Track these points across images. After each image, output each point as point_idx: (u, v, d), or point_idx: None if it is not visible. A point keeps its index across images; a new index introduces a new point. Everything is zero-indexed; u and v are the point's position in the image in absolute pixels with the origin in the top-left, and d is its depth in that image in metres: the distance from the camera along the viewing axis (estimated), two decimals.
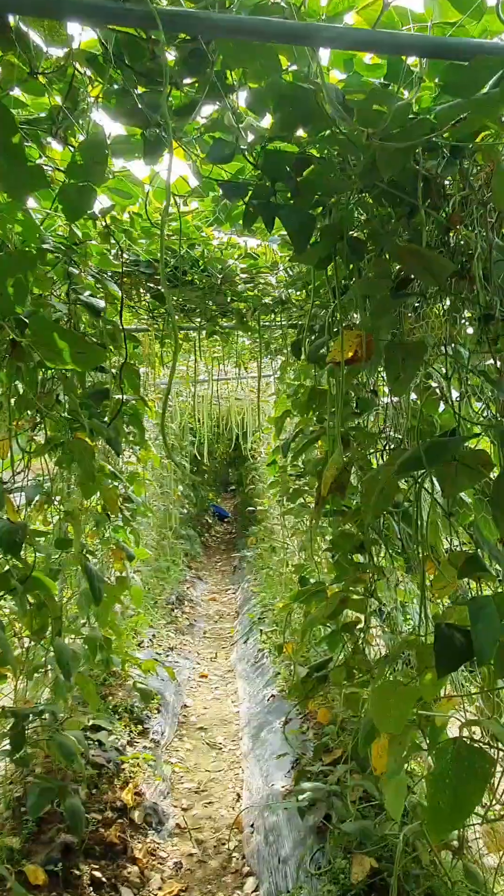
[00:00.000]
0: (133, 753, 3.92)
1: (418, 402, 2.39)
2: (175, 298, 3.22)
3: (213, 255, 2.67)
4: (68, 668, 2.63)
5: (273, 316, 3.68)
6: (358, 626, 3.14)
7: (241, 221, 2.29)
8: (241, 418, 8.68)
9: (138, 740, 4.13)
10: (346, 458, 2.45)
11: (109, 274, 2.74)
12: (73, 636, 3.42)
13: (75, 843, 2.85)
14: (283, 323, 3.69)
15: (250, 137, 1.60)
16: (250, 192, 1.69)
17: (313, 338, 2.97)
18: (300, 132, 1.58)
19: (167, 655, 5.91)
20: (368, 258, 2.02)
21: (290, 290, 3.28)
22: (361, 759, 3.06)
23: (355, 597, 3.06)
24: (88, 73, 1.56)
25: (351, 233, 1.85)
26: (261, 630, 6.08)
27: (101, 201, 2.23)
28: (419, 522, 2.39)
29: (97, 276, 2.63)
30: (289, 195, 1.68)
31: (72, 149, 1.73)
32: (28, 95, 1.72)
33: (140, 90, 1.51)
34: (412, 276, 1.82)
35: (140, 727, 4.31)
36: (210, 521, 16.53)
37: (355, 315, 2.69)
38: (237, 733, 4.70)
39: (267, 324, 3.89)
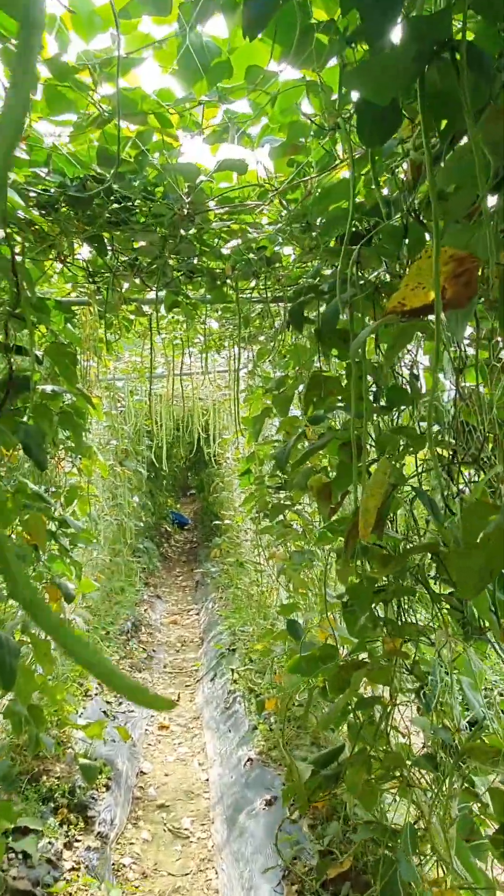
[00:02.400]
0: (73, 861, 2.95)
1: None
2: (120, 248, 2.27)
3: (174, 166, 1.74)
4: None
5: (257, 283, 2.77)
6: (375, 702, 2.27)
7: (224, 79, 1.39)
8: (205, 420, 7.74)
9: (80, 839, 3.16)
10: (388, 478, 1.56)
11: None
12: None
13: None
14: (269, 291, 2.78)
15: None
16: None
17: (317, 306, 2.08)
18: None
19: (120, 703, 4.93)
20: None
21: (281, 241, 2.38)
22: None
23: (378, 663, 2.20)
24: None
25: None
26: (232, 669, 5.15)
27: None
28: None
29: None
30: None
31: None
32: None
33: None
34: None
35: (82, 818, 3.33)
36: (169, 530, 15.52)
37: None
38: (207, 813, 3.76)
39: (248, 295, 2.98)
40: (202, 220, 2.05)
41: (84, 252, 2.66)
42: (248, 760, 3.92)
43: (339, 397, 2.42)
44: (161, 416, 7.15)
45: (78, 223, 2.13)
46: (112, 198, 1.92)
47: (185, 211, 1.89)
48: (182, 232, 2.06)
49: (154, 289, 2.48)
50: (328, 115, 1.51)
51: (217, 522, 7.84)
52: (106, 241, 2.22)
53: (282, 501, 4.07)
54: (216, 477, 9.33)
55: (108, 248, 2.28)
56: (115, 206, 1.97)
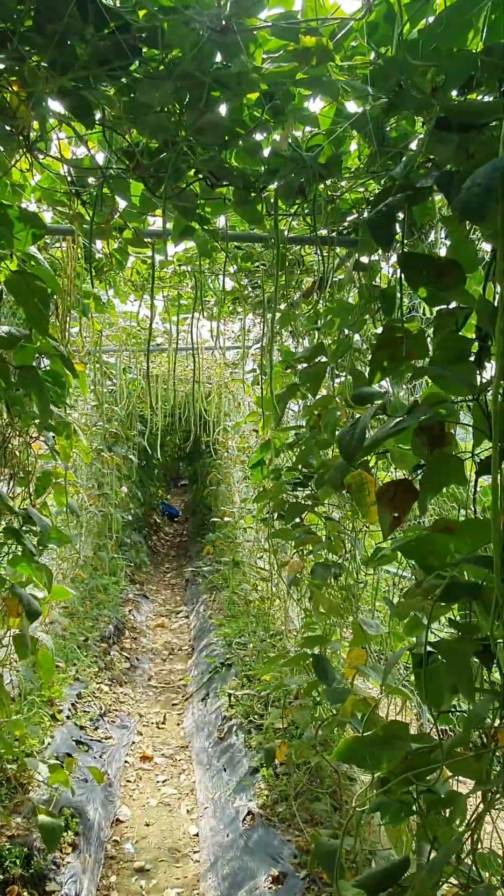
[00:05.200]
0: None
1: None
2: (113, 119, 1.52)
3: None
4: None
5: (302, 204, 2.03)
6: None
7: None
8: (206, 405, 6.97)
9: None
10: None
11: None
12: None
13: None
14: (319, 221, 2.03)
15: None
16: None
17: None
18: None
19: (96, 727, 4.20)
20: None
21: (348, 131, 1.65)
22: None
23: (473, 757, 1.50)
24: None
25: None
26: (228, 693, 4.43)
27: None
28: None
29: None
30: None
31: None
32: None
33: None
34: None
35: (39, 895, 2.61)
36: (159, 521, 14.78)
37: None
38: (197, 883, 3.04)
39: (288, 227, 2.23)
40: (242, 66, 1.30)
41: (60, 146, 1.91)
42: (248, 815, 3.20)
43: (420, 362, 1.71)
44: (157, 398, 6.40)
45: (48, 70, 1.38)
46: (99, 7, 1.17)
47: (222, 22, 1.14)
48: (208, 84, 1.31)
49: (162, 198, 1.73)
50: None
51: (215, 519, 7.10)
52: (92, 103, 1.47)
53: (302, 500, 3.34)
54: (213, 468, 8.58)
55: (97, 117, 1.52)
56: (106, 28, 1.22)
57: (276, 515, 3.66)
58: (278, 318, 3.43)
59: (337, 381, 2.87)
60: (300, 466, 3.26)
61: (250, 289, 3.26)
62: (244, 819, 3.21)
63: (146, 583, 9.34)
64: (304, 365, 2.76)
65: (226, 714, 4.33)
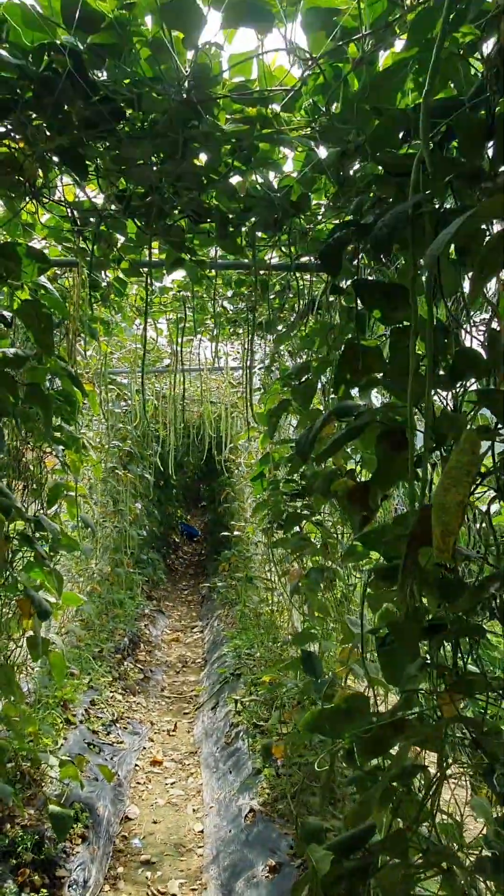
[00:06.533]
0: None
1: None
2: (105, 170, 1.77)
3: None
4: None
5: (278, 237, 2.26)
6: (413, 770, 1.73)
7: None
8: (216, 424, 7.20)
9: None
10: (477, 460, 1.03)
11: None
12: None
13: None
14: (293, 249, 2.26)
15: None
16: None
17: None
18: None
19: (108, 732, 4.38)
20: None
21: (309, 173, 1.87)
22: None
23: (427, 727, 1.67)
24: None
25: None
26: (235, 699, 4.58)
27: None
28: None
29: None
30: None
31: None
32: None
33: None
34: None
35: (49, 878, 2.79)
36: (178, 541, 15.00)
37: None
38: (199, 874, 3.19)
39: (268, 258, 2.46)
40: (209, 126, 1.54)
41: (63, 190, 2.17)
42: (249, 812, 3.35)
43: (380, 374, 1.91)
44: (168, 417, 6.64)
45: (47, 130, 1.63)
46: (87, 82, 1.42)
47: (185, 93, 1.38)
48: (182, 140, 1.55)
49: (149, 234, 1.97)
50: None
51: (226, 534, 7.29)
52: (86, 159, 1.71)
53: (298, 510, 3.53)
54: (227, 486, 8.80)
55: (91, 171, 1.77)
56: (93, 98, 1.47)
57: (275, 525, 3.85)
58: (275, 338, 3.65)
59: (329, 397, 3.08)
60: (296, 477, 3.46)
61: (247, 311, 3.49)
62: (246, 816, 3.35)
63: (163, 599, 9.52)
64: (296, 381, 2.98)
65: (233, 721, 4.49)
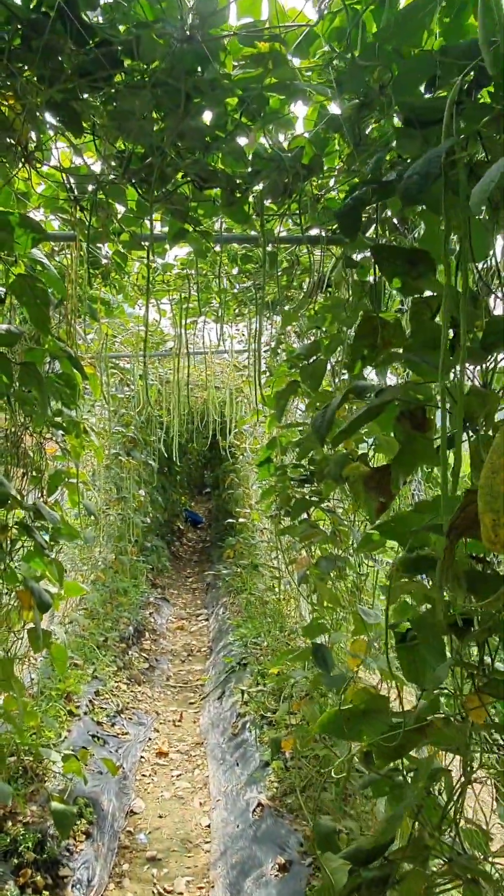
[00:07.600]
0: None
1: None
2: (101, 127, 1.62)
3: None
4: None
5: (288, 205, 2.11)
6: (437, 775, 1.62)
7: None
8: (220, 410, 7.06)
9: None
10: None
11: None
12: None
13: None
14: (304, 219, 2.11)
15: None
16: None
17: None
18: None
19: (113, 723, 4.30)
20: None
21: (325, 129, 1.72)
22: None
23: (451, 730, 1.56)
24: None
25: None
26: (242, 689, 4.49)
27: None
28: None
29: None
30: None
31: None
32: None
33: None
34: None
35: (52, 878, 2.70)
36: (182, 528, 14.91)
37: None
38: (207, 871, 3.10)
39: (278, 229, 2.31)
40: (215, 73, 1.39)
41: (59, 157, 2.02)
42: (257, 806, 3.26)
43: (400, 349, 1.77)
44: (171, 401, 6.51)
45: (38, 83, 1.49)
46: (81, 24, 1.27)
47: (188, 32, 1.23)
48: (185, 93, 1.40)
49: (150, 202, 1.83)
50: None
51: (230, 521, 7.18)
52: (82, 118, 1.57)
53: (307, 497, 3.40)
54: (231, 472, 8.68)
55: (87, 129, 1.63)
56: (87, 45, 1.32)
57: (283, 512, 3.73)
58: (282, 317, 3.51)
59: (341, 377, 2.94)
60: (304, 462, 3.33)
61: (253, 290, 3.34)
62: (254, 810, 3.26)
63: (168, 587, 9.44)
64: (305, 362, 2.84)
65: (240, 711, 4.39)
